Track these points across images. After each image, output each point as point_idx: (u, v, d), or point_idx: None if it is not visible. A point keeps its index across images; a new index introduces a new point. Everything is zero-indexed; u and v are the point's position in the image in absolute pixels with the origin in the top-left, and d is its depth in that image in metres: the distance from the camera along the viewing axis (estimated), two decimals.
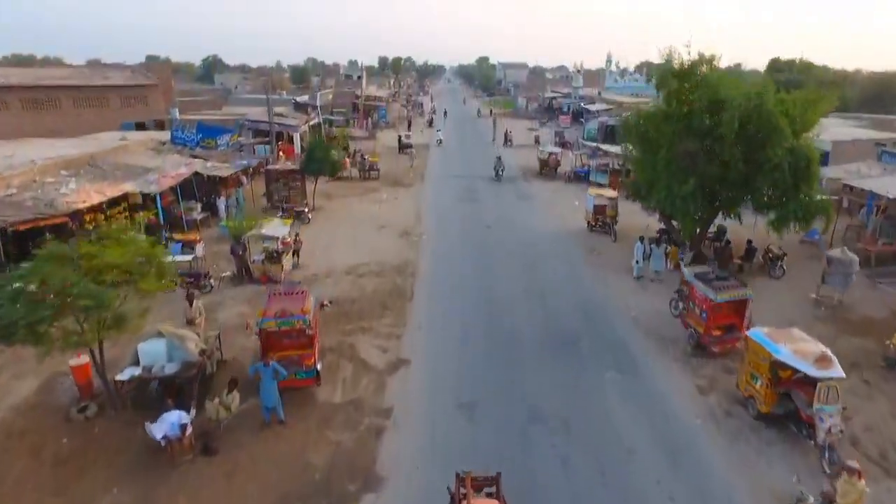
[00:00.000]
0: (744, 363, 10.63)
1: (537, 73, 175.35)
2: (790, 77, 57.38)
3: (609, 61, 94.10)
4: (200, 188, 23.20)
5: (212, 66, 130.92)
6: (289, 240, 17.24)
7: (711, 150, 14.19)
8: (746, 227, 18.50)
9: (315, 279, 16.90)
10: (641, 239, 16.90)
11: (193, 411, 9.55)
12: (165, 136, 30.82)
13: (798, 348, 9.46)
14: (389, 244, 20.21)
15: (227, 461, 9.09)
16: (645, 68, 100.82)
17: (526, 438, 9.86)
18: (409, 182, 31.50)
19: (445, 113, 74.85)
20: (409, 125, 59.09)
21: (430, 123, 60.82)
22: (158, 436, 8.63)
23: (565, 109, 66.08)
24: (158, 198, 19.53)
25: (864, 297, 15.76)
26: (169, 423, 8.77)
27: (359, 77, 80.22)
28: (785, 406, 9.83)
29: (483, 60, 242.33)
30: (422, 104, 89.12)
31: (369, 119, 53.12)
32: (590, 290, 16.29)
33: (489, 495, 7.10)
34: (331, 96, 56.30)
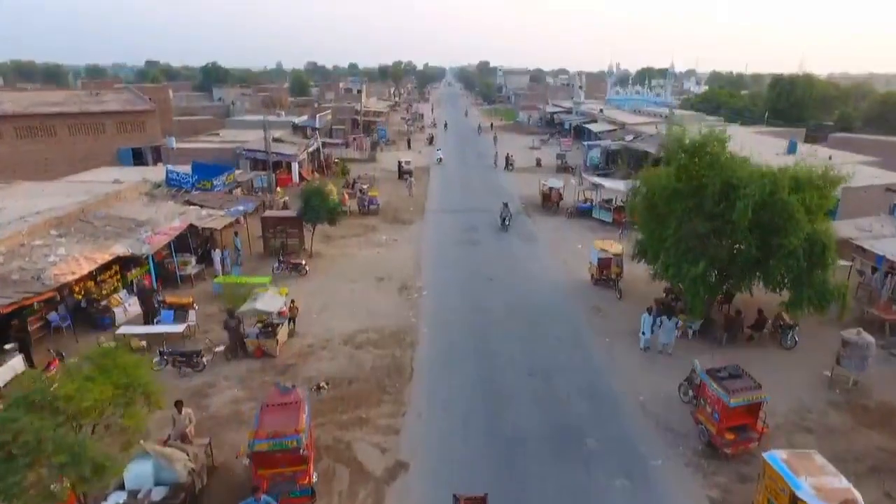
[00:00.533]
0: (760, 483, 10.08)
1: (538, 78, 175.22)
2: (792, 99, 56.97)
3: (610, 73, 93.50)
4: (195, 237, 22.71)
5: (211, 73, 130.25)
6: (284, 310, 16.69)
7: (722, 231, 13.69)
8: (756, 291, 17.98)
9: (311, 351, 16.37)
10: (649, 310, 16.35)
11: None
12: (161, 172, 30.39)
13: (821, 485, 8.92)
14: (388, 304, 19.67)
15: None
16: (647, 79, 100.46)
17: None
18: (409, 218, 30.97)
19: (446, 125, 74.80)
20: (409, 144, 58.74)
21: (431, 141, 60.33)
22: None
23: (567, 127, 65.54)
24: (151, 256, 19.01)
25: (881, 374, 15.20)
26: None
27: (358, 91, 79.68)
28: None
29: (484, 65, 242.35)
30: (422, 115, 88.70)
31: (369, 139, 52.53)
32: (596, 366, 15.75)
33: None
34: (329, 116, 55.71)
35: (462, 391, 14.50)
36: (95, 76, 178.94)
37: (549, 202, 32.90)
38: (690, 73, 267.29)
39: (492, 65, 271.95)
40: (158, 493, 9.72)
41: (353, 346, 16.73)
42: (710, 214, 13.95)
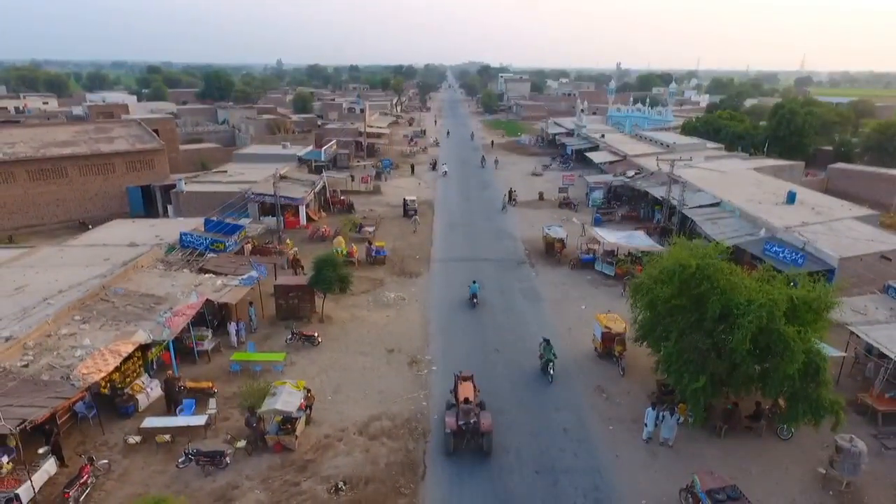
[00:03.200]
0: None
1: (539, 86, 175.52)
2: (792, 127, 57.52)
3: (611, 91, 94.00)
4: (210, 308, 23.41)
5: (213, 81, 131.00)
6: (303, 403, 17.41)
7: (719, 347, 14.42)
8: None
9: (328, 443, 17.09)
10: (653, 405, 17.09)
11: None
12: (172, 225, 31.08)
13: None
14: (399, 382, 20.40)
15: None
16: (647, 98, 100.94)
17: None
18: (416, 270, 31.67)
19: (448, 133, 75.88)
20: (413, 169, 59.47)
21: (434, 166, 61.01)
22: None
23: (569, 151, 66.17)
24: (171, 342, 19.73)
25: (873, 472, 15.88)
26: None
27: (361, 110, 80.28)
28: None
29: (484, 69, 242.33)
30: (424, 131, 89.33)
31: (374, 170, 53.22)
32: (600, 462, 16.43)
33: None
34: (334, 147, 56.33)
35: (472, 495, 15.21)
36: (95, 82, 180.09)
37: (553, 251, 33.57)
38: (691, 75, 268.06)
39: (492, 66, 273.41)
40: None
41: (367, 436, 17.46)
42: (709, 332, 14.70)
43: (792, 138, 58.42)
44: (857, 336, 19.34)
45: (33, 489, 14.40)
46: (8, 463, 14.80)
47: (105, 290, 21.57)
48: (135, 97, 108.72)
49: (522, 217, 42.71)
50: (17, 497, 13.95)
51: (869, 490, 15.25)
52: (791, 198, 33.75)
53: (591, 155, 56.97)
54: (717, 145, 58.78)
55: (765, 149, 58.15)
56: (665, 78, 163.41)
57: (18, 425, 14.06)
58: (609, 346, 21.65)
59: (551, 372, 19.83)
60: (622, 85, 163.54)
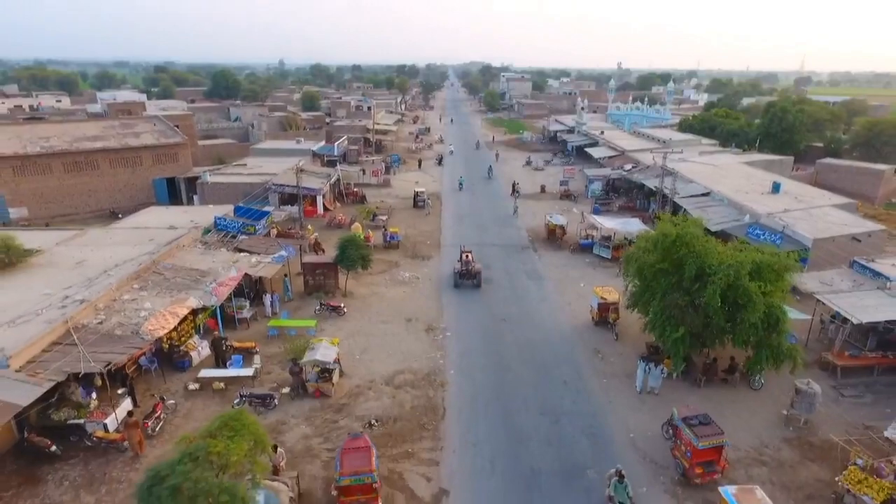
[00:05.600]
0: None
1: (540, 85, 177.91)
2: (784, 124, 60.05)
3: (611, 90, 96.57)
4: (248, 282, 26.08)
5: (220, 80, 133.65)
6: (337, 357, 20.04)
7: (697, 304, 17.05)
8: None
9: (359, 391, 19.74)
10: (643, 358, 19.75)
11: None
12: (201, 211, 33.72)
13: None
14: (418, 345, 23.05)
15: None
16: (646, 97, 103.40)
17: None
18: (427, 253, 34.32)
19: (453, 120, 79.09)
20: (420, 164, 62.12)
21: (440, 161, 63.73)
22: None
23: (569, 148, 68.77)
24: (219, 308, 22.41)
25: (829, 413, 18.55)
26: None
27: (369, 108, 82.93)
28: None
29: (486, 69, 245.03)
30: (429, 129, 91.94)
31: (383, 164, 55.87)
32: (596, 407, 19.06)
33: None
34: (346, 142, 58.98)
35: (486, 430, 17.85)
36: (104, 81, 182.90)
37: (554, 237, 36.20)
38: (691, 75, 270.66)
39: (494, 65, 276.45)
40: None
41: (393, 386, 20.11)
42: (687, 290, 17.31)
43: (783, 135, 60.96)
44: (824, 304, 21.96)
45: (116, 419, 17.07)
46: (94, 399, 17.48)
47: (155, 265, 24.21)
48: (144, 95, 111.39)
49: (525, 208, 45.25)
50: (105, 426, 16.62)
51: (823, 426, 17.85)
52: (776, 188, 36.34)
53: (590, 150, 59.57)
54: (712, 142, 61.36)
55: (756, 145, 60.69)
56: (665, 78, 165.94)
57: (105, 366, 16.76)
58: (605, 314, 24.29)
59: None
60: (623, 84, 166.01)
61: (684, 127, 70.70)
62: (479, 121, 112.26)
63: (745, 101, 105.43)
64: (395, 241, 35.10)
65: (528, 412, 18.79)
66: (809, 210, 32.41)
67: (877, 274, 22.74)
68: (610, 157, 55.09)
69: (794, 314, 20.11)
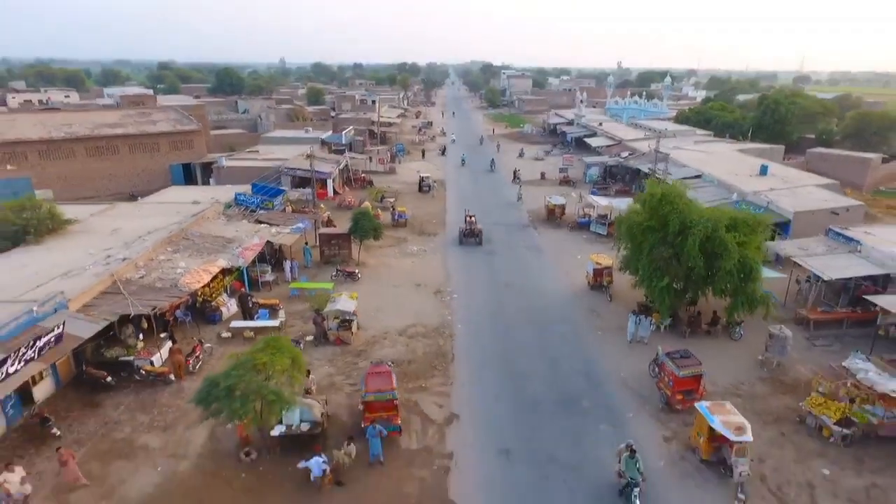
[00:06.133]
0: (695, 424, 15.47)
1: (540, 82, 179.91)
2: (777, 116, 62.04)
3: (609, 84, 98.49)
4: (269, 250, 28.12)
5: (224, 78, 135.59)
6: (356, 310, 22.05)
7: (680, 256, 19.04)
8: (712, 298, 23.32)
9: (375, 340, 21.75)
10: (634, 312, 21.76)
11: (327, 462, 14.29)
12: (218, 190, 35.74)
13: (726, 420, 14.29)
14: (428, 305, 25.06)
15: (352, 490, 14.00)
16: (647, 83, 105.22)
17: (547, 477, 14.69)
18: (433, 231, 36.34)
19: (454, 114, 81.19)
20: (423, 154, 64.11)
21: (443, 152, 65.75)
22: (315, 473, 13.55)
23: (569, 139, 70.78)
24: (245, 269, 24.44)
25: (801, 357, 20.57)
26: (317, 467, 13.66)
27: (373, 101, 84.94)
28: (718, 455, 14.68)
29: (487, 67, 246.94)
30: (431, 123, 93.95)
31: (388, 153, 57.88)
32: (591, 354, 21.08)
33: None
34: (352, 132, 60.98)
35: (492, 370, 19.87)
36: (109, 78, 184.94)
37: (553, 216, 38.22)
38: (691, 74, 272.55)
39: (494, 64, 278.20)
40: (305, 426, 15.15)
41: (406, 336, 22.12)
42: (671, 244, 19.30)
43: (776, 126, 62.97)
44: (800, 266, 23.96)
45: (161, 358, 19.10)
46: (141, 340, 19.51)
47: (185, 232, 26.23)
48: (151, 91, 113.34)
49: (526, 193, 47.14)
50: (151, 362, 18.65)
51: (794, 368, 19.84)
52: (763, 170, 38.34)
53: (589, 140, 61.60)
54: (707, 133, 63.35)
55: (749, 135, 62.66)
56: (664, 75, 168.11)
57: (152, 309, 18.81)
58: (599, 279, 26.30)
59: (636, 503, 13.27)
60: (622, 82, 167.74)
61: (681, 119, 72.69)
62: (481, 116, 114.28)
63: (741, 98, 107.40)
64: (402, 219, 37.10)
65: (528, 357, 20.80)
66: (794, 189, 34.43)
67: (849, 239, 24.74)
68: (608, 146, 57.10)
69: (770, 273, 22.14)
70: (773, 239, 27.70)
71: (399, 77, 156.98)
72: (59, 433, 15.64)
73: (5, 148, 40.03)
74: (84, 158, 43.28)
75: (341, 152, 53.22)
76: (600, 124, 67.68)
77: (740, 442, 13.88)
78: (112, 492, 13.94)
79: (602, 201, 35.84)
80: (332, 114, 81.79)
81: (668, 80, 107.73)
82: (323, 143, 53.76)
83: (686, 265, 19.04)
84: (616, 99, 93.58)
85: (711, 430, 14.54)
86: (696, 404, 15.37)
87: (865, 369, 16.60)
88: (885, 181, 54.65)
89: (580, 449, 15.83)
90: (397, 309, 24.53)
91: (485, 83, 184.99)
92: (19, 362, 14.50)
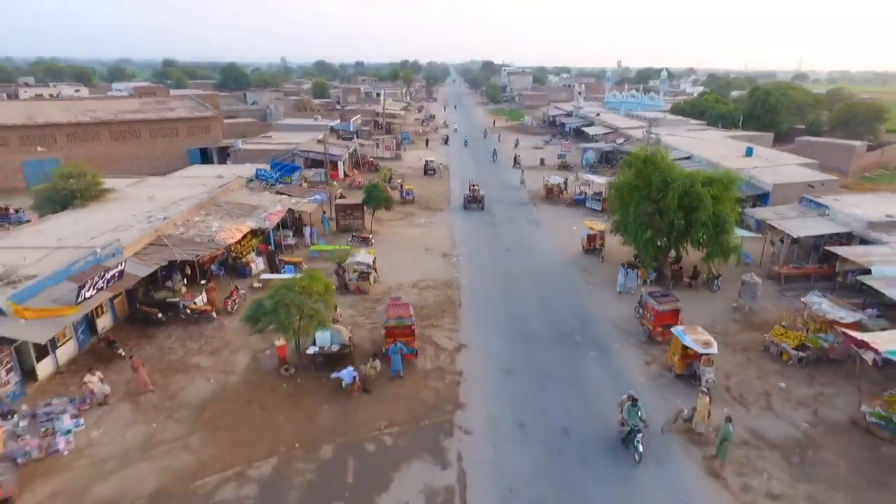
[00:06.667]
0: (671, 346, 17.95)
1: (541, 79, 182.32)
2: (767, 106, 64.52)
3: (608, 79, 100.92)
4: (290, 217, 30.62)
5: (229, 74, 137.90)
6: (372, 263, 24.54)
7: (661, 211, 21.52)
8: (698, 255, 25.81)
9: (390, 291, 24.13)
10: (624, 266, 24.26)
11: (356, 372, 16.77)
12: (236, 168, 38.20)
13: (696, 338, 16.78)
14: (436, 265, 27.55)
15: (378, 396, 16.47)
16: (646, 80, 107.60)
17: (544, 392, 17.14)
18: (439, 207, 38.86)
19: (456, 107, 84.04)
20: (427, 143, 66.58)
21: (446, 141, 68.22)
22: (347, 381, 16.05)
23: (567, 129, 73.25)
24: (271, 232, 26.94)
25: (771, 304, 23.02)
26: (349, 375, 16.15)
27: (378, 94, 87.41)
28: (690, 370, 17.16)
29: (488, 64, 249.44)
30: (433, 115, 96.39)
31: (394, 141, 60.32)
32: (583, 302, 23.59)
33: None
34: (359, 121, 63.46)
35: (495, 314, 22.35)
36: (115, 74, 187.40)
37: (552, 194, 40.69)
38: (690, 72, 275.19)
39: (495, 63, 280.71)
40: (335, 347, 17.65)
41: (418, 289, 24.60)
42: (654, 200, 21.78)
43: (766, 116, 65.44)
44: (774, 227, 26.45)
45: (202, 300, 21.59)
46: (184, 285, 22.01)
47: (214, 200, 28.71)
48: (160, 85, 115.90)
49: (526, 177, 49.69)
50: (195, 302, 21.13)
51: (763, 312, 22.30)
52: (749, 152, 40.80)
53: (586, 129, 64.04)
54: (700, 122, 65.80)
55: (740, 124, 65.12)
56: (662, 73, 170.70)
57: (195, 256, 21.31)
58: (593, 243, 28.80)
59: (639, 448, 13.73)
60: (621, 80, 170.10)
61: (675, 111, 75.22)
62: (481, 111, 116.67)
63: (735, 94, 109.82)
64: (410, 197, 39.58)
65: (527, 305, 23.29)
66: (775, 167, 36.91)
67: (819, 205, 27.22)
68: (604, 134, 59.56)
69: (745, 232, 24.60)
70: (754, 206, 30.29)
71: (402, 72, 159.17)
72: (123, 353, 18.14)
73: (36, 130, 42.55)
74: (108, 142, 45.76)
75: (349, 139, 55.69)
76: (598, 115, 70.15)
77: (707, 354, 16.37)
78: (174, 396, 16.44)
79: (597, 179, 38.31)
80: (338, 106, 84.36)
81: (664, 74, 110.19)
82: (332, 130, 56.21)
83: (667, 219, 21.53)
84: (614, 93, 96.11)
85: (685, 349, 17.04)
86: (672, 329, 17.85)
87: (820, 303, 19.09)
88: (870, 168, 57.12)
89: (571, 369, 18.32)
90: (409, 267, 27.01)
91: (485, 80, 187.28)
92: (93, 289, 16.98)
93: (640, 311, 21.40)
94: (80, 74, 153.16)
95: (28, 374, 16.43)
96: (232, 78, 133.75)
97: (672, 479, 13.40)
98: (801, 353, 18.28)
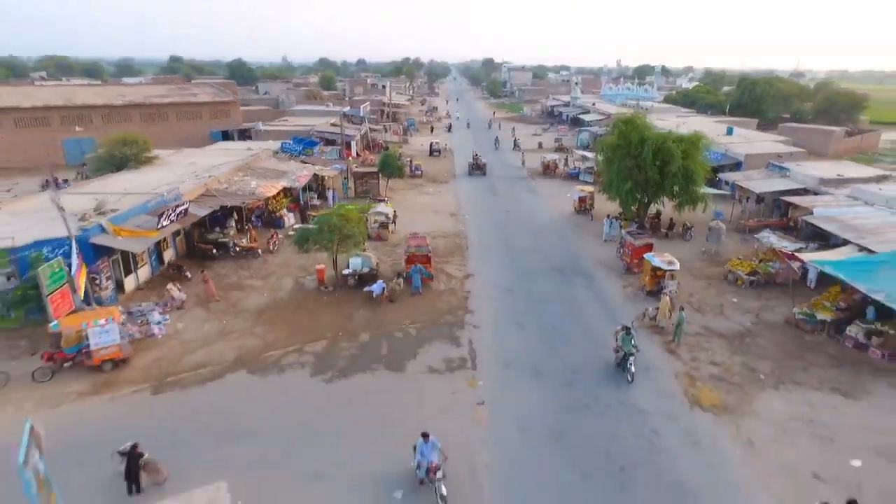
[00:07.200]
0: (643, 270, 21.66)
1: (541, 75, 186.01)
2: (753, 95, 68.22)
3: (605, 72, 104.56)
4: (314, 182, 34.36)
5: (236, 71, 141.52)
6: (392, 214, 28.28)
7: (639, 166, 25.27)
8: (670, 212, 29.52)
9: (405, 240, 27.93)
10: (609, 217, 28.01)
11: (385, 284, 20.46)
12: (259, 145, 41.90)
13: (662, 258, 20.50)
14: (445, 221, 31.31)
15: (402, 305, 20.19)
16: (643, 76, 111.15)
17: (538, 304, 20.85)
18: (445, 179, 42.60)
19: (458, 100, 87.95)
20: (432, 130, 70.28)
21: (449, 129, 71.91)
22: (377, 292, 19.77)
23: (564, 118, 76.94)
24: (301, 191, 30.67)
25: (735, 248, 26.73)
26: (378, 287, 19.88)
27: (383, 86, 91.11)
28: (657, 287, 20.87)
29: (489, 62, 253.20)
30: (436, 107, 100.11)
31: (401, 126, 64.08)
32: (573, 247, 27.34)
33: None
34: (368, 107, 67.19)
35: (497, 255, 26.09)
36: (123, 70, 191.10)
37: (549, 170, 44.43)
38: (688, 70, 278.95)
39: (496, 61, 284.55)
40: (365, 269, 21.40)
41: (431, 237, 27.89)
42: (633, 156, 25.52)
43: (752, 105, 69.16)
44: (742, 187, 30.17)
45: (245, 241, 25.29)
46: (233, 228, 25.74)
47: (248, 165, 32.43)
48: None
49: (525, 158, 53.46)
50: (242, 241, 24.84)
51: (727, 254, 25.97)
52: (729, 131, 44.50)
53: (583, 116, 67.70)
54: (690, 111, 69.51)
55: (726, 111, 68.84)
56: (662, 71, 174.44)
57: (243, 202, 25.03)
58: (584, 203, 32.55)
59: (632, 369, 15.47)
60: (618, 76, 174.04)
61: (668, 101, 78.89)
62: (482, 105, 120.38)
63: (727, 89, 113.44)
64: (418, 171, 43.31)
65: (525, 250, 27.03)
66: (751, 143, 40.62)
67: (782, 168, 30.96)
68: (598, 120, 63.22)
69: (712, 190, 28.31)
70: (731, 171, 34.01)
71: (405, 68, 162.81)
72: (189, 276, 21.85)
73: (74, 111, 46.24)
74: (139, 123, 49.35)
75: (360, 124, 59.37)
76: (593, 104, 73.82)
77: (670, 269, 20.11)
78: (236, 304, 20.15)
79: (590, 155, 41.99)
80: (345, 98, 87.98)
81: (658, 68, 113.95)
82: (343, 115, 59.84)
83: (644, 172, 25.26)
84: (610, 86, 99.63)
85: (654, 269, 20.76)
86: (645, 255, 21.57)
87: (769, 237, 22.81)
88: (848, 152, 60.66)
89: (562, 291, 22.06)
90: (421, 223, 30.67)
91: (486, 76, 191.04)
92: (167, 220, 20.67)
93: (621, 250, 25.12)
94: (91, 70, 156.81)
95: (117, 286, 20.13)
96: (239, 74, 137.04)
97: (639, 357, 17.05)
98: (752, 278, 22.00)
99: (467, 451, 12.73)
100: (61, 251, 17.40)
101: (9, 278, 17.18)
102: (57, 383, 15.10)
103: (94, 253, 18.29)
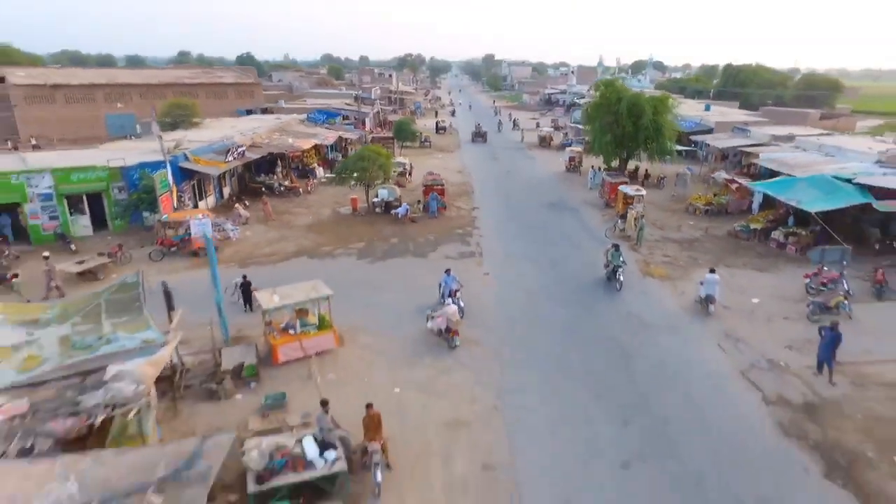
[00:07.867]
0: (616, 199, 26.58)
1: (540, 70, 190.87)
2: (737, 82, 73.03)
3: (601, 64, 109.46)
4: (338, 143, 39.32)
5: (245, 62, 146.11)
6: (408, 164, 33.23)
7: (617, 121, 30.22)
8: (654, 167, 34.36)
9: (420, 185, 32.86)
10: (592, 167, 32.94)
11: (408, 206, 25.37)
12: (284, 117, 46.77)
13: (630, 188, 25.40)
14: (453, 176, 36.22)
15: (422, 224, 25.11)
16: (630, 69, 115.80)
17: (532, 232, 25.72)
18: (451, 149, 47.55)
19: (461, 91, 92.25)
20: (437, 114, 75.18)
21: (453, 114, 76.82)
22: (401, 213, 24.70)
23: (561, 103, 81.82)
24: (328, 148, 35.60)
25: (698, 191, 31.66)
26: (403, 209, 24.80)
27: (389, 75, 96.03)
28: (627, 210, 25.76)
29: (489, 58, 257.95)
30: (439, 98, 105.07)
31: (409, 109, 68.99)
32: (562, 191, 32.29)
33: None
34: (379, 91, 72.11)
35: (499, 198, 31.02)
36: (135, 64, 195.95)
37: (545, 142, 49.37)
38: (686, 67, 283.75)
39: (497, 57, 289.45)
40: (390, 198, 26.32)
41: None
42: (612, 112, 30.43)
43: (737, 90, 74.00)
44: (708, 145, 35.08)
45: (289, 182, 30.20)
46: (278, 173, 30.68)
47: (282, 128, 37.34)
48: None
49: (524, 133, 58.43)
50: (287, 181, 29.77)
51: (690, 194, 30.92)
52: (707, 108, 49.38)
53: (578, 101, 72.49)
54: (679, 96, 74.32)
55: (711, 95, 73.67)
56: (658, 66, 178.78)
57: (288, 150, 29.99)
58: (573, 162, 37.48)
59: (620, 279, 17.78)
60: (615, 71, 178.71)
61: (658, 87, 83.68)
62: (483, 97, 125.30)
63: (717, 81, 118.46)
64: (427, 143, 48.23)
65: (523, 194, 32.01)
66: (724, 115, 45.52)
67: (744, 130, 35.87)
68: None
69: (679, 147, 33.21)
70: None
71: (408, 61, 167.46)
72: (248, 203, 26.78)
73: (116, 89, 51.09)
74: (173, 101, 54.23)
75: (371, 105, 64.26)
76: (588, 90, 78.57)
77: (637, 194, 25.03)
78: (289, 223, 25.09)
79: (581, 127, 46.90)
80: (355, 85, 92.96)
81: (651, 57, 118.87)
82: (356, 97, 64.77)
83: (622, 127, 30.18)
84: (605, 76, 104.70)
85: (625, 197, 25.65)
86: (619, 187, 26.48)
87: (722, 174, 27.73)
88: None
89: (552, 218, 27.02)
90: None
91: (487, 72, 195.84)
92: (231, 156, 25.58)
93: (602, 190, 30.00)
94: (105, 63, 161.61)
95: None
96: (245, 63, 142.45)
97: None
98: (707, 207, 26.90)
99: (478, 295, 17.65)
100: (157, 171, 22.32)
101: (120, 191, 22.10)
102: (168, 262, 20.02)
103: (180, 175, 23.20)
